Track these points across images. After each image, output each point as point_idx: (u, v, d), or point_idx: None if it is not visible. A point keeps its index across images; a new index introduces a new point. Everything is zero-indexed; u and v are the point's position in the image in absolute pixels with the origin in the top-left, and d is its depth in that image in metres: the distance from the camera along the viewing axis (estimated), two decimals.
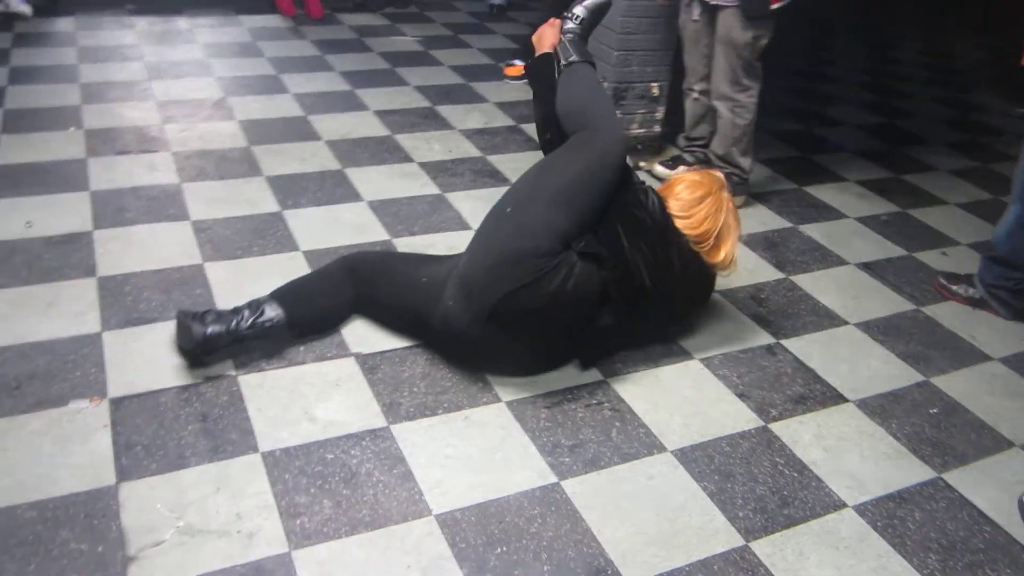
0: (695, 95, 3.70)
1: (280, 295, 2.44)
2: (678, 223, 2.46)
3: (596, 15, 2.74)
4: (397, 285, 2.52)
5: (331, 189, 3.43)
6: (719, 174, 2.64)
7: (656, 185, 2.67)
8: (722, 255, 2.52)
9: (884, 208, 3.89)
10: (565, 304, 2.28)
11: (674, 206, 2.48)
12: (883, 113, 5.26)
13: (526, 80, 2.70)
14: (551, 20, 2.71)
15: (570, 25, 2.69)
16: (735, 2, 3.25)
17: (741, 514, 2.09)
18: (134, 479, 1.98)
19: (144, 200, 3.19)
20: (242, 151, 3.69)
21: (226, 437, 2.13)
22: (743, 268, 3.18)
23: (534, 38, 2.75)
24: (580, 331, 2.43)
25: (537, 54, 2.70)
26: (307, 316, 2.48)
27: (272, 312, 2.37)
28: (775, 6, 3.24)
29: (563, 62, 2.61)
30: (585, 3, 2.71)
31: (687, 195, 2.50)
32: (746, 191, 3.72)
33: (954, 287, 3.17)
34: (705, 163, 3.81)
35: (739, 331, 2.83)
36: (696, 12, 3.44)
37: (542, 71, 2.66)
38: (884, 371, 2.71)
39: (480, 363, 2.47)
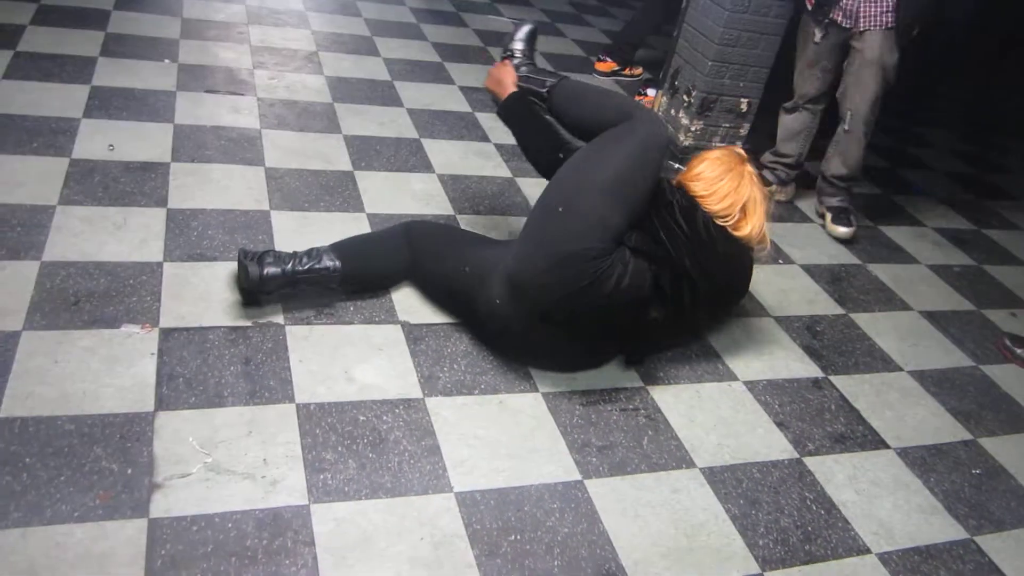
0: (804, 111, 3.65)
1: (339, 247, 2.49)
2: (702, 203, 2.42)
3: (530, 42, 2.81)
4: (446, 265, 2.53)
5: (405, 157, 3.46)
6: (740, 151, 2.60)
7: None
8: (748, 228, 2.46)
9: (958, 259, 3.77)
10: (620, 303, 2.27)
11: (697, 187, 2.45)
12: (976, 164, 5.09)
13: (504, 123, 2.72)
14: (499, 63, 2.76)
15: (519, 59, 2.75)
16: (889, 24, 3.23)
17: (761, 542, 2.06)
18: (171, 409, 2.04)
19: (224, 140, 3.26)
20: (325, 106, 3.73)
21: (265, 383, 2.18)
22: (802, 298, 3.13)
23: (490, 84, 2.73)
24: (629, 327, 2.41)
25: (504, 96, 2.66)
26: (361, 273, 2.53)
27: (329, 262, 2.42)
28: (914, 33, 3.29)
29: (544, 89, 2.63)
30: (517, 36, 2.79)
31: (709, 173, 2.47)
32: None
33: (1019, 350, 3.07)
34: (787, 182, 3.83)
35: (788, 360, 2.78)
36: (819, 35, 3.38)
37: (520, 106, 2.63)
38: (931, 423, 2.64)
39: (522, 356, 2.47)
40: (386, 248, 2.61)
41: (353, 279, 2.51)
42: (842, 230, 3.66)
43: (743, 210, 2.44)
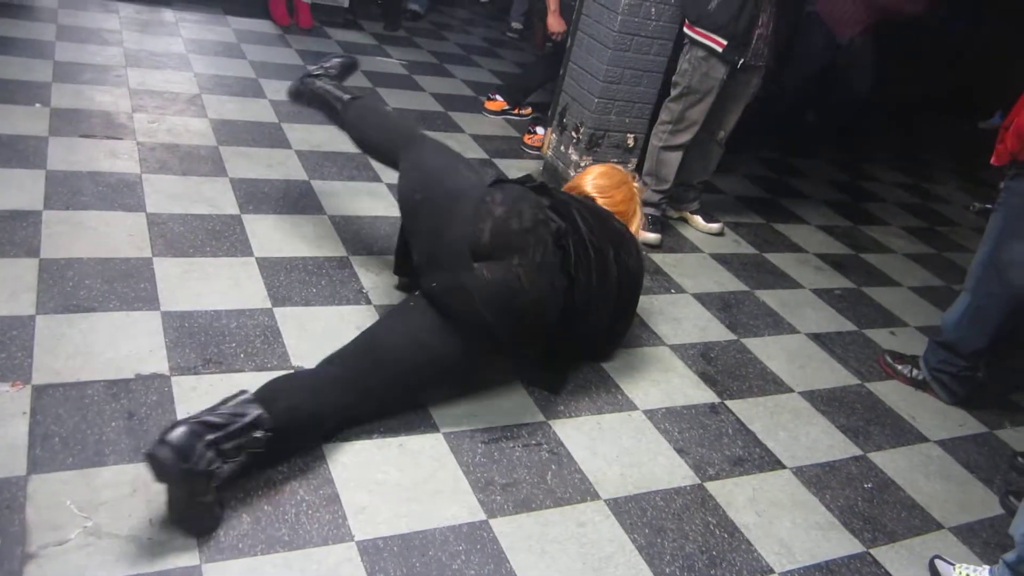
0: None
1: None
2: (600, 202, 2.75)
3: (343, 70, 3.16)
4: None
5: (295, 199, 3.39)
6: (619, 167, 3.01)
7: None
8: (633, 227, 2.78)
9: (839, 283, 3.94)
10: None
11: (594, 192, 2.78)
12: (850, 192, 5.36)
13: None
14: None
15: (320, 73, 3.07)
16: (768, 62, 3.65)
17: (668, 570, 2.07)
18: (46, 472, 1.90)
19: (101, 186, 3.12)
20: (210, 149, 3.63)
21: (150, 438, 2.04)
22: (694, 326, 3.19)
23: None
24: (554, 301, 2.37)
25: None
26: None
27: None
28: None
29: (339, 103, 2.95)
30: (332, 60, 3.14)
31: (605, 181, 2.81)
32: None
33: (899, 366, 3.21)
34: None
35: (685, 387, 2.82)
36: (726, 72, 3.52)
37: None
38: (823, 441, 2.72)
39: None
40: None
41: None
42: (716, 226, 4.10)
43: (631, 216, 2.80)
